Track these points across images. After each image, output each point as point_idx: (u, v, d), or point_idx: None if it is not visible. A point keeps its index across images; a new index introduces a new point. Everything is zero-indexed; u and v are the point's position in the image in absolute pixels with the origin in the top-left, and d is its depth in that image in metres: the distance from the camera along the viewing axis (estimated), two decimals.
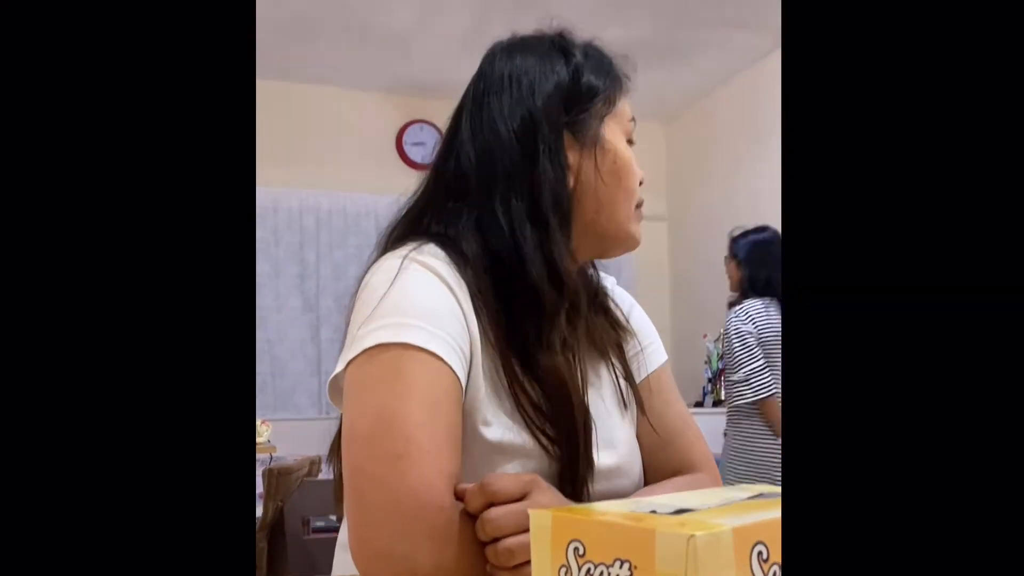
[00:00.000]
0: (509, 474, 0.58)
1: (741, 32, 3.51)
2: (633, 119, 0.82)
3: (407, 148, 4.14)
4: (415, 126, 4.15)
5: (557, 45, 0.79)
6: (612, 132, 0.78)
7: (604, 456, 0.76)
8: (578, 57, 0.79)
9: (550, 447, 0.69)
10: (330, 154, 4.04)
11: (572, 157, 0.76)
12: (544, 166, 0.73)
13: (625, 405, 0.80)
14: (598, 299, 0.83)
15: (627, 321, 0.85)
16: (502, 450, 0.68)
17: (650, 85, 3.93)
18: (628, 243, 0.80)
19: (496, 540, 0.56)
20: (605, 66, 0.80)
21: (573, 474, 0.69)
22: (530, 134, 0.74)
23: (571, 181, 0.75)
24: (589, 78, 0.78)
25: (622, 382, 0.80)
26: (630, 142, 0.80)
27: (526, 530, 0.43)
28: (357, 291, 0.71)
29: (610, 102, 0.78)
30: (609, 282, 0.87)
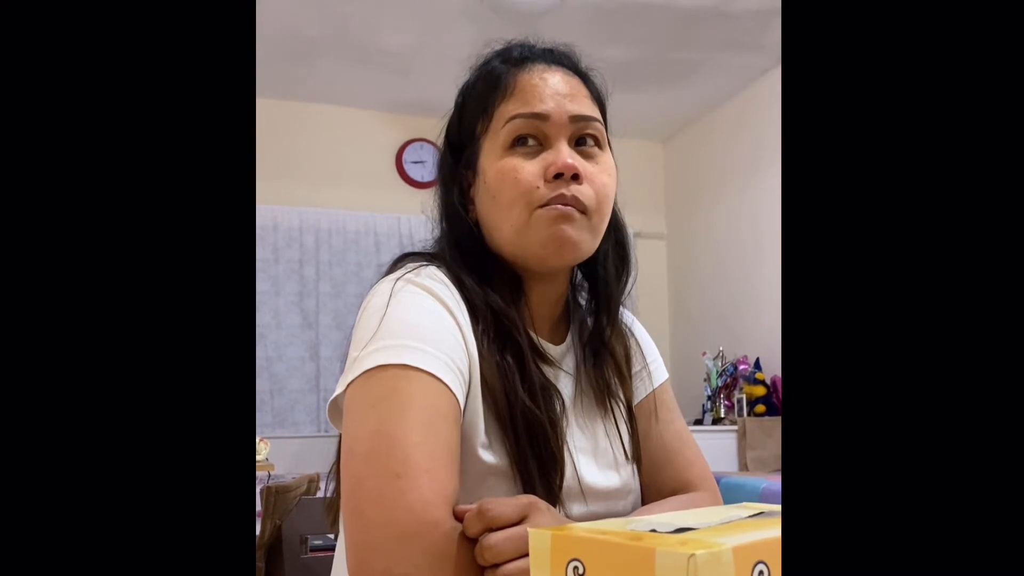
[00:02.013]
0: (507, 498, 0.57)
1: (739, 51, 3.53)
2: (518, 116, 0.73)
3: (407, 166, 4.15)
4: (415, 144, 4.16)
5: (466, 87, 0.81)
6: (487, 152, 0.75)
7: (601, 477, 0.75)
8: (469, 86, 0.80)
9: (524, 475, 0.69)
10: (330, 172, 4.05)
11: (472, 192, 0.78)
12: (450, 212, 0.78)
13: (627, 455, 0.79)
14: (602, 338, 0.81)
15: (638, 346, 0.85)
16: (500, 472, 0.68)
17: (649, 104, 3.95)
18: (535, 250, 0.73)
19: (496, 566, 0.55)
20: (485, 79, 0.78)
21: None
22: (446, 186, 0.79)
23: (473, 217, 0.77)
24: (469, 114, 0.78)
25: (623, 426, 0.80)
26: (520, 139, 0.74)
27: (526, 554, 0.43)
28: (359, 313, 0.71)
29: (487, 117, 0.76)
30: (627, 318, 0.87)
